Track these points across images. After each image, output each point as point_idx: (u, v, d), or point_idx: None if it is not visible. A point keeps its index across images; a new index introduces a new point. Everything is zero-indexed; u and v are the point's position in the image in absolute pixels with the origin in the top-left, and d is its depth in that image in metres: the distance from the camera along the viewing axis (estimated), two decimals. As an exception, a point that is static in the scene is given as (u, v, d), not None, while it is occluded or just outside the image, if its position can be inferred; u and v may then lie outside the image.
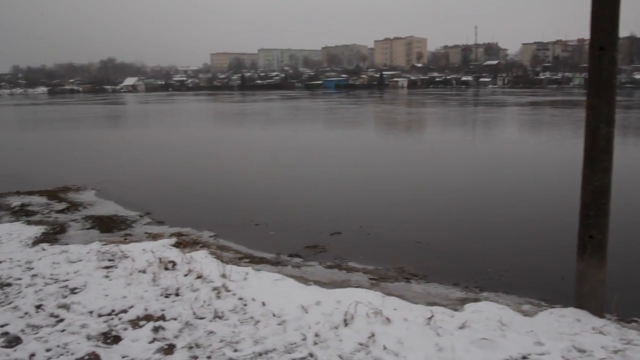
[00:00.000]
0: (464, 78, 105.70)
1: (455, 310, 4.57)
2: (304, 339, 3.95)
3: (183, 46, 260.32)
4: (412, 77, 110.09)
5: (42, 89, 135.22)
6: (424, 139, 21.16)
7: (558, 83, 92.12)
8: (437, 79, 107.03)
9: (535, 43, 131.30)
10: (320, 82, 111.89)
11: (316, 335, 3.97)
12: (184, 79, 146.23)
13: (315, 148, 17.63)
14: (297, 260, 6.40)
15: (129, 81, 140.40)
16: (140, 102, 68.63)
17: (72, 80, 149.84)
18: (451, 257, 6.62)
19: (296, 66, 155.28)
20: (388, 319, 4.14)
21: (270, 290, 4.86)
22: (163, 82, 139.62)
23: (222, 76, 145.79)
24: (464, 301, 4.94)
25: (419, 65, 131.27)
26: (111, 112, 48.78)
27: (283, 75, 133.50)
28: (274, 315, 4.34)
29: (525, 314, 4.53)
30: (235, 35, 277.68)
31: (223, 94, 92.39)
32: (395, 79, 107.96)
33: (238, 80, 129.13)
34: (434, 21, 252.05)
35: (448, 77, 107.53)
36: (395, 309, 4.41)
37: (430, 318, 4.11)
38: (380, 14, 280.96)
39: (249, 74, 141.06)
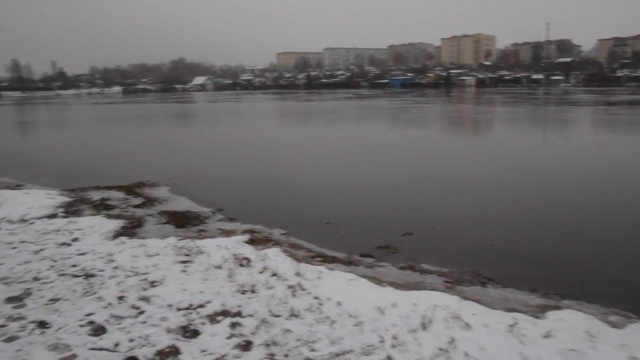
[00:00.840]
0: (534, 76, 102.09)
1: (537, 317, 4.38)
2: (382, 342, 3.89)
3: (250, 46, 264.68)
4: (480, 76, 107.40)
5: (117, 88, 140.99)
6: (500, 139, 20.58)
7: (638, 81, 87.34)
8: (506, 78, 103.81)
9: (612, 38, 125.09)
10: (386, 80, 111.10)
11: (394, 338, 3.91)
12: (251, 78, 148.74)
13: (387, 147, 17.47)
14: (369, 260, 6.33)
15: (198, 80, 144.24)
16: (209, 101, 70.36)
17: (144, 80, 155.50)
18: (528, 261, 6.37)
19: (362, 65, 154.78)
20: (467, 325, 4.02)
21: (344, 290, 4.82)
22: (231, 81, 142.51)
23: (288, 75, 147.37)
24: (544, 308, 4.73)
25: (487, 63, 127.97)
26: (182, 110, 50.22)
27: (349, 74, 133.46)
28: (349, 315, 4.30)
29: (614, 325, 4.29)
30: (301, 35, 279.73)
31: (289, 92, 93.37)
32: (463, 78, 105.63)
33: (304, 79, 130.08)
34: (503, 18, 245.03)
35: (517, 76, 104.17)
36: (473, 314, 4.28)
37: (513, 325, 3.95)
38: (447, 11, 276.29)
39: (314, 72, 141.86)
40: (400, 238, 7.19)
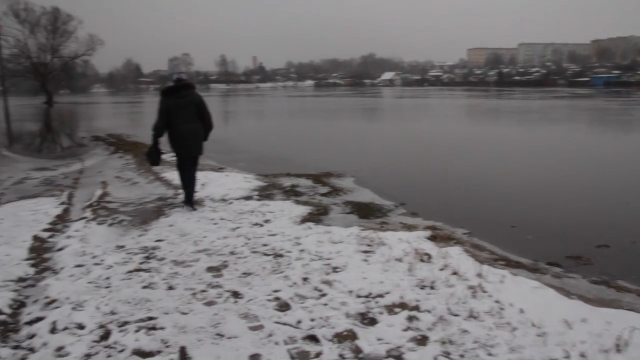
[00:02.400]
0: None
1: None
2: (567, 357, 3.64)
3: (440, 41, 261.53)
4: None
5: (309, 82, 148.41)
6: None
7: None
8: None
9: None
10: (586, 79, 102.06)
11: (582, 355, 3.63)
12: (440, 74, 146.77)
13: (588, 151, 16.16)
14: (556, 269, 5.93)
15: (387, 76, 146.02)
16: (396, 96, 70.93)
17: (335, 75, 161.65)
18: None
19: (559, 61, 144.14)
20: (674, 354, 3.58)
21: (528, 297, 4.58)
22: (419, 77, 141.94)
23: (478, 72, 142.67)
24: None
25: None
26: (369, 104, 51.34)
27: (544, 71, 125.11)
28: (532, 324, 4.08)
29: None
30: (493, 30, 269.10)
31: (479, 89, 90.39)
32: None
33: (495, 76, 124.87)
34: None
35: None
36: (682, 344, 3.80)
37: None
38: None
39: (506, 69, 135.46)
40: (594, 249, 6.62)
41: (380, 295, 4.61)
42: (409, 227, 6.98)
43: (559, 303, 4.51)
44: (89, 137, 23.03)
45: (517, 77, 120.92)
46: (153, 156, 8.10)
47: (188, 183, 8.25)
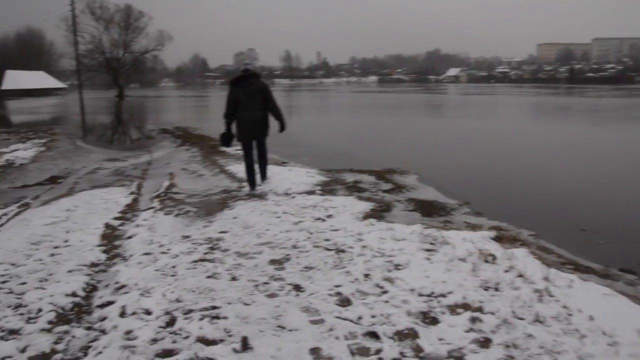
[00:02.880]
0: None
1: None
2: (641, 369, 3.48)
3: (508, 37, 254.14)
4: None
5: (373, 78, 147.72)
6: None
7: None
8: None
9: None
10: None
11: (658, 367, 3.47)
12: (507, 70, 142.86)
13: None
14: (630, 276, 5.66)
15: (452, 72, 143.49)
16: (461, 93, 69.62)
17: (399, 70, 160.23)
18: None
19: (637, 57, 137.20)
20: None
21: (598, 304, 4.40)
22: (485, 74, 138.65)
23: (548, 68, 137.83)
24: None
25: None
26: (433, 100, 50.63)
27: (620, 67, 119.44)
28: (603, 333, 3.92)
29: None
30: (565, 24, 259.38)
31: (548, 87, 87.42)
32: None
33: (566, 72, 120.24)
34: None
35: None
36: None
37: None
38: None
39: (578, 66, 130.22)
40: (673, 257, 6.29)
41: (443, 295, 4.55)
42: (473, 227, 6.84)
43: (632, 312, 4.32)
44: (157, 130, 23.82)
45: (590, 74, 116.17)
46: (225, 139, 9.15)
47: (260, 161, 9.30)
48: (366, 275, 4.98)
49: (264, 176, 9.44)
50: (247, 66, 8.99)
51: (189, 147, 16.36)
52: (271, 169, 10.57)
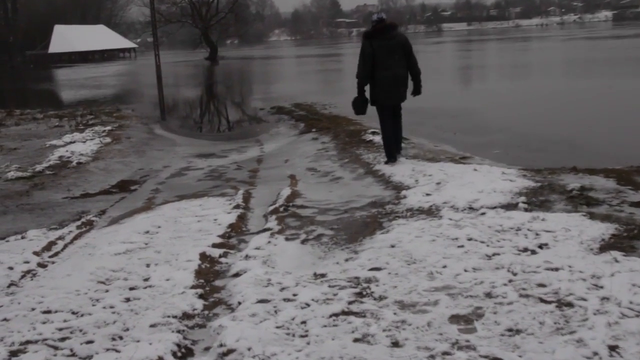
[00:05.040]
0: None
1: None
2: None
3: None
4: None
5: (604, 14, 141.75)
6: None
7: None
8: None
9: None
10: None
11: None
12: None
13: None
14: None
15: None
16: None
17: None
18: None
19: None
20: None
21: None
22: None
23: None
24: None
25: None
26: None
27: None
28: None
29: None
30: None
31: None
32: None
33: None
34: None
35: None
36: None
37: None
38: None
39: None
40: None
41: None
42: None
43: None
44: (268, 109, 24.62)
45: None
46: (358, 105, 11.47)
47: (396, 129, 11.69)
48: (612, 349, 4.73)
49: (399, 148, 11.85)
50: (380, 15, 11.19)
51: (317, 135, 16.72)
52: (445, 169, 10.50)
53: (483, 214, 8.36)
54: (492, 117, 18.33)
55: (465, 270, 6.42)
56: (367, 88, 11.40)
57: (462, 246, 7.16)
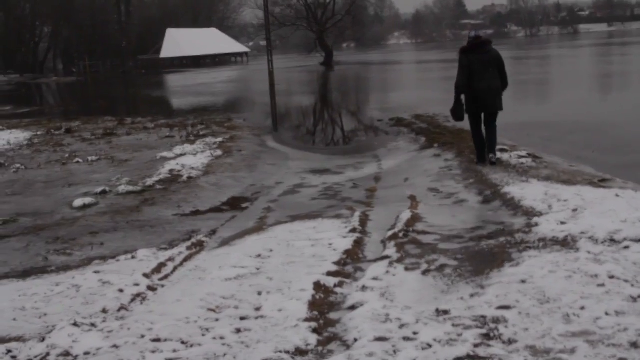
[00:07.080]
0: None
1: None
2: None
3: None
4: None
5: None
6: None
7: None
8: None
9: None
10: None
11: None
12: None
13: None
14: None
15: None
16: None
17: None
18: None
19: None
20: None
21: None
22: None
23: None
24: None
25: None
26: None
27: None
28: None
29: None
30: None
31: None
32: None
33: None
34: None
35: None
36: None
37: None
38: None
39: None
40: None
41: None
42: None
43: None
44: (387, 120, 24.53)
45: None
46: (458, 112, 13.31)
47: (490, 139, 13.31)
48: None
49: (494, 153, 13.35)
50: (477, 33, 13.36)
51: (439, 152, 16.51)
52: (582, 194, 10.15)
53: (627, 247, 7.98)
54: (637, 133, 17.63)
55: (607, 314, 6.12)
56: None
57: (602, 285, 6.84)
